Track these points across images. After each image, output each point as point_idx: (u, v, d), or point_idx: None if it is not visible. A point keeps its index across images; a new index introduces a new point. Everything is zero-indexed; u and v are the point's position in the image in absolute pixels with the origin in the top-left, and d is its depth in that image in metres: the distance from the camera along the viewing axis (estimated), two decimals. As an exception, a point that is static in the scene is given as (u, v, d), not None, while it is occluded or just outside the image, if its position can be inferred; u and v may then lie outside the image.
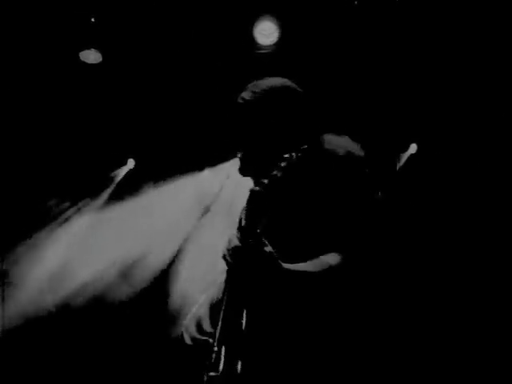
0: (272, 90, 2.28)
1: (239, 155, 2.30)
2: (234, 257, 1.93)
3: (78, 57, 5.49)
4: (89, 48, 5.42)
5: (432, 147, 6.04)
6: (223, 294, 2.34)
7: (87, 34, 5.32)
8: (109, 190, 6.79)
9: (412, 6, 4.89)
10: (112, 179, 6.81)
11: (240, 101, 2.29)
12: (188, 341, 2.29)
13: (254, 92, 2.28)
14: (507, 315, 5.34)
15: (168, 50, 5.56)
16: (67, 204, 6.58)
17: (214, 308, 2.31)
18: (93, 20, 5.21)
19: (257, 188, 1.96)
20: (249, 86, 2.32)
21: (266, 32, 5.08)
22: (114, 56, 5.61)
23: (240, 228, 1.94)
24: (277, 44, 5.17)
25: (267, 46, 5.20)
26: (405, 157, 6.19)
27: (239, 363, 1.98)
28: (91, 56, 5.49)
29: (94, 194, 6.72)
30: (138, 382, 6.02)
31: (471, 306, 5.52)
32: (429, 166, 6.04)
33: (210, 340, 2.18)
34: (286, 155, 2.01)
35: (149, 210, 6.51)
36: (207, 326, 2.25)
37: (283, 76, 2.41)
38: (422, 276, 5.71)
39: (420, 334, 5.54)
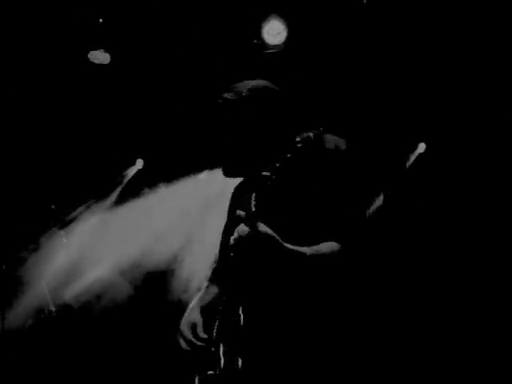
0: (254, 89, 2.28)
1: (223, 155, 2.31)
2: (244, 245, 1.92)
3: (87, 57, 5.51)
4: (97, 49, 5.43)
5: (440, 146, 6.03)
6: (220, 292, 2.36)
7: (96, 35, 5.33)
8: (117, 191, 6.81)
9: (422, 5, 4.86)
10: (121, 179, 6.82)
11: (222, 101, 2.30)
12: (184, 346, 2.28)
13: (235, 92, 2.28)
14: (507, 315, 5.32)
15: (176, 52, 5.56)
16: (76, 205, 6.60)
17: (206, 311, 2.32)
18: (101, 21, 5.22)
19: (267, 173, 1.98)
20: (230, 86, 2.33)
21: (274, 32, 5.07)
22: (122, 57, 5.63)
23: (248, 214, 1.94)
24: (285, 43, 5.16)
25: (275, 46, 5.19)
26: (413, 156, 6.19)
27: (239, 360, 2.00)
28: (100, 57, 5.50)
29: (102, 194, 6.74)
30: (135, 382, 6.03)
31: (473, 302, 5.52)
32: (437, 165, 6.03)
33: (206, 344, 2.19)
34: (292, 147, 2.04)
35: (156, 210, 6.52)
36: (201, 331, 2.25)
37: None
38: (429, 273, 5.71)
39: (417, 329, 5.54)
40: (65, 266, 6.17)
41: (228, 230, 2.37)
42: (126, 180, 6.86)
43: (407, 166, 6.18)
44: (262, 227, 1.92)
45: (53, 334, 5.81)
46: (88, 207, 6.63)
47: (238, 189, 2.54)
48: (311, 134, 2.03)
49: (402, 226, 5.87)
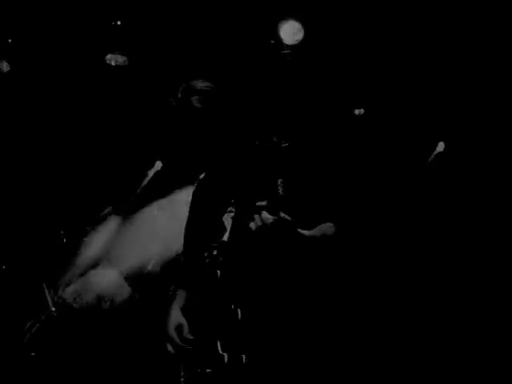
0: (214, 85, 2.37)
1: (212, 144, 2.35)
2: (269, 233, 1.90)
3: (105, 60, 5.54)
4: (115, 51, 5.46)
5: (460, 146, 6.00)
6: (192, 294, 2.31)
7: (113, 37, 5.37)
8: (136, 193, 6.83)
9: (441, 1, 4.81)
10: (140, 181, 6.84)
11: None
12: (171, 350, 2.27)
13: (206, 86, 2.33)
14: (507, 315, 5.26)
15: (192, 53, 5.58)
16: (96, 206, 6.63)
17: (187, 311, 2.30)
18: (119, 23, 5.25)
19: (286, 144, 1.98)
20: (194, 82, 2.36)
21: (291, 32, 5.06)
22: (140, 60, 5.66)
23: (273, 202, 1.92)
24: (302, 43, 5.14)
25: (292, 46, 5.17)
26: (432, 155, 6.17)
27: (243, 355, 1.99)
28: (117, 59, 5.53)
29: (121, 196, 6.77)
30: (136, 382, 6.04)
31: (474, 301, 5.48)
32: (456, 164, 6.01)
33: (195, 347, 2.17)
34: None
35: (165, 215, 6.51)
36: (187, 333, 2.23)
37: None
38: (447, 271, 5.68)
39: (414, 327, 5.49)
40: (66, 266, 6.19)
41: (202, 230, 2.35)
42: (145, 182, 6.89)
43: (427, 164, 6.17)
44: (283, 215, 1.91)
45: (53, 334, 5.82)
46: (111, 209, 6.66)
47: (205, 184, 2.53)
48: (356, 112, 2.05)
49: (419, 224, 5.86)
